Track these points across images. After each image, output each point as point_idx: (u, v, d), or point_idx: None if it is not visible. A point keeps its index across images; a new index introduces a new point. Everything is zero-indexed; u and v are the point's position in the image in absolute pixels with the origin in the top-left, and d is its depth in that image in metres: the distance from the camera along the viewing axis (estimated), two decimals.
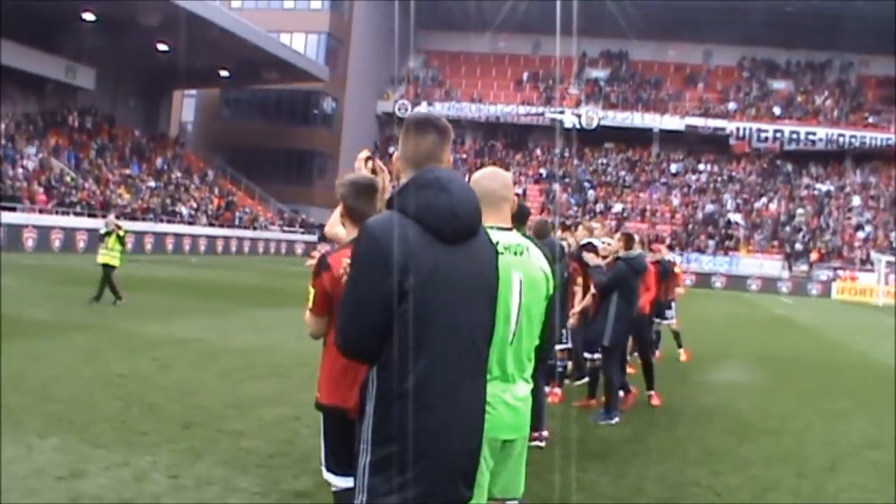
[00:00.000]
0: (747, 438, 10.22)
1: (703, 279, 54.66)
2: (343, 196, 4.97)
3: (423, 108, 70.06)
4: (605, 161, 70.12)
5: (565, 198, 66.22)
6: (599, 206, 63.65)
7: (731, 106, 70.21)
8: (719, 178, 68.30)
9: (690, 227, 62.04)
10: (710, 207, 64.71)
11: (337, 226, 5.50)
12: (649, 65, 75.11)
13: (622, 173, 69.01)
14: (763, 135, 67.77)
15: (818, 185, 67.40)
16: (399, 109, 70.28)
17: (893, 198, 65.32)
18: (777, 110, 69.73)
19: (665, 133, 69.15)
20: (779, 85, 73.63)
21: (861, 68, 73.49)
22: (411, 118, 3.59)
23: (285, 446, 8.09)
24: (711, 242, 60.13)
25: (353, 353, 3.27)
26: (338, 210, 5.63)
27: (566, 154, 71.40)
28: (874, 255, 57.45)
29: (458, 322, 3.27)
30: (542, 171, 68.57)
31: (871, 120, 68.22)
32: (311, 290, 4.82)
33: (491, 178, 4.34)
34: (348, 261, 4.58)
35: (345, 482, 4.88)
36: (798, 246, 59.99)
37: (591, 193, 65.94)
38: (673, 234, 59.86)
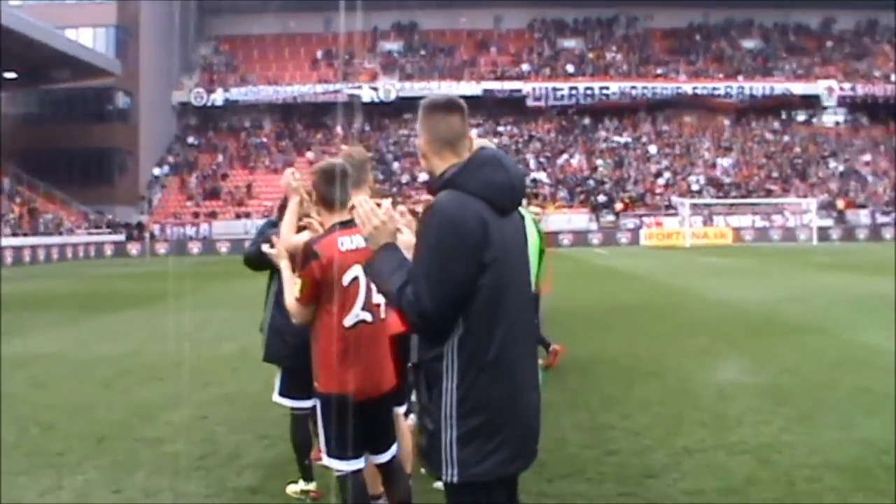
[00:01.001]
0: (635, 382, 10.66)
1: None
2: (315, 183, 4.98)
3: (219, 94, 68.83)
4: (406, 132, 70.35)
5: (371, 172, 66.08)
6: (405, 178, 63.94)
7: (526, 68, 71.66)
8: (520, 139, 69.68)
9: None
10: None
11: (292, 236, 5.45)
12: (441, 33, 75.74)
13: None
14: (559, 93, 69.59)
15: (616, 138, 69.80)
16: (195, 98, 68.83)
17: (687, 144, 68.34)
18: (570, 68, 71.62)
19: (463, 99, 69.29)
20: (570, 43, 75.64)
21: (647, 22, 76.37)
22: (434, 101, 3.66)
23: (209, 446, 7.96)
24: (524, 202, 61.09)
25: (435, 329, 3.33)
26: (287, 219, 5.58)
27: (367, 129, 71.33)
28: (675, 199, 60.09)
29: (521, 290, 3.46)
30: (345, 147, 68.18)
31: (659, 71, 71.18)
32: (298, 280, 4.83)
33: None
34: (346, 243, 4.68)
35: (349, 466, 4.94)
36: (602, 198, 61.91)
37: (395, 165, 66.20)
38: None
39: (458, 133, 3.57)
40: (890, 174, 64.39)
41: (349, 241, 4.83)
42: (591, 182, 64.00)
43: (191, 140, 69.81)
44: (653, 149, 68.12)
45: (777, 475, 6.91)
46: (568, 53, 73.98)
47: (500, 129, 70.56)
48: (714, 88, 69.59)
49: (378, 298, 4.89)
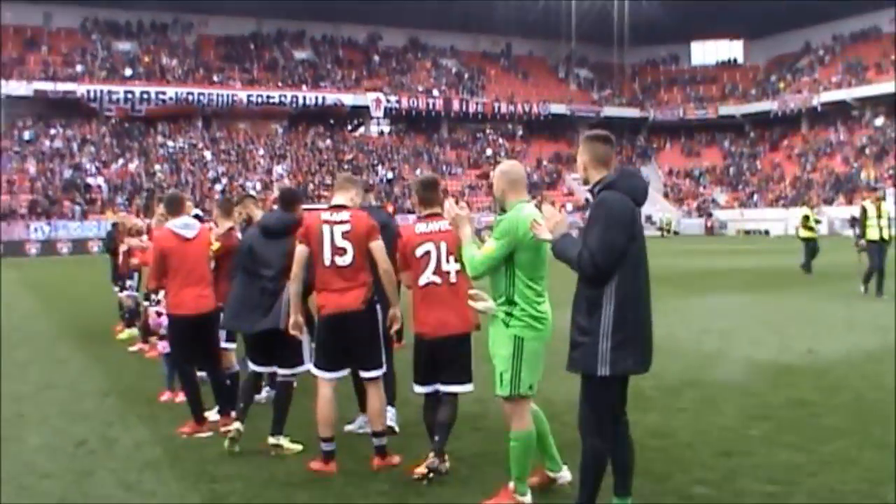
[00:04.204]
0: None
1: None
2: (416, 189, 7.41)
3: None
4: None
5: None
6: None
7: (80, 69, 69.83)
8: (75, 143, 67.72)
9: (51, 194, 60.65)
10: (68, 173, 63.68)
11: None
12: None
13: None
14: (114, 96, 68.59)
15: (171, 143, 70.07)
16: None
17: (242, 150, 70.19)
18: (127, 72, 70.98)
19: (12, 99, 66.07)
20: (124, 46, 74.78)
21: (201, 28, 77.42)
22: (598, 135, 5.79)
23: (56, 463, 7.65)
24: (77, 208, 59.27)
25: (602, 277, 5.40)
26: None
27: None
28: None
29: (645, 254, 5.67)
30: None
31: (215, 78, 72.42)
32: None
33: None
34: (422, 228, 7.10)
35: (420, 389, 7.29)
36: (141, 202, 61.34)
37: None
38: (34, 203, 58.61)
39: (609, 156, 5.70)
40: None
41: (425, 227, 7.04)
42: (151, 187, 63.45)
43: None
44: (208, 154, 69.31)
45: None
46: (122, 56, 73.18)
47: (53, 131, 67.91)
48: (268, 97, 72.44)
49: (448, 267, 6.98)
